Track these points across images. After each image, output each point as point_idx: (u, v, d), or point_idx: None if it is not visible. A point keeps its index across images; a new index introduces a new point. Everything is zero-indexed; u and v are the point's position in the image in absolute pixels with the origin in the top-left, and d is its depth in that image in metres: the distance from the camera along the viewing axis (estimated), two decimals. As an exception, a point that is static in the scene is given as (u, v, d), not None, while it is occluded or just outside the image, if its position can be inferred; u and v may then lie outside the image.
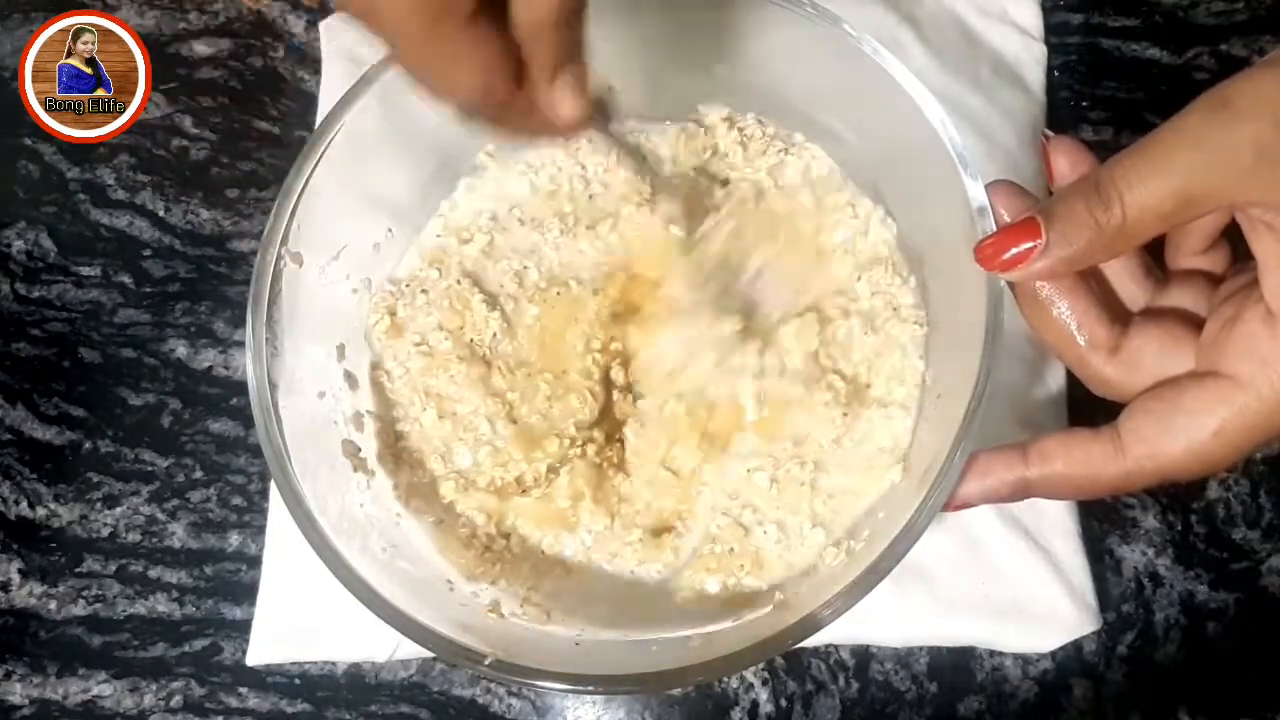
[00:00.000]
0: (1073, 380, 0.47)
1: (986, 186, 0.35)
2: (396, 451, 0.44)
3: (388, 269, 0.46)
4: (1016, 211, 0.34)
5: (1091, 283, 0.34)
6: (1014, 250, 0.31)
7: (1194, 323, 0.33)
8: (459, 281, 0.46)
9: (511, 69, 0.28)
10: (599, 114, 0.34)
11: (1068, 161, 0.34)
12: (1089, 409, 0.49)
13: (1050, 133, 0.38)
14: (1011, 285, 0.34)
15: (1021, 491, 0.34)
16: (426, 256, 0.47)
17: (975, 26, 0.55)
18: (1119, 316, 0.34)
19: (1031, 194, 0.35)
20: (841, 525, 0.41)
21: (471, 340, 0.45)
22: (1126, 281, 0.35)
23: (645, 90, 0.47)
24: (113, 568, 0.48)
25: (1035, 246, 0.31)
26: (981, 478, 0.34)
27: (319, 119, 0.53)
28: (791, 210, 0.46)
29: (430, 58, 0.27)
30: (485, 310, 0.45)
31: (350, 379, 0.44)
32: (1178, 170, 0.29)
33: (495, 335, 0.45)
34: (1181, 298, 0.34)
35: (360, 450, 0.42)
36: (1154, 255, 0.36)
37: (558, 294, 0.46)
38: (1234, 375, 0.30)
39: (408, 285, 0.46)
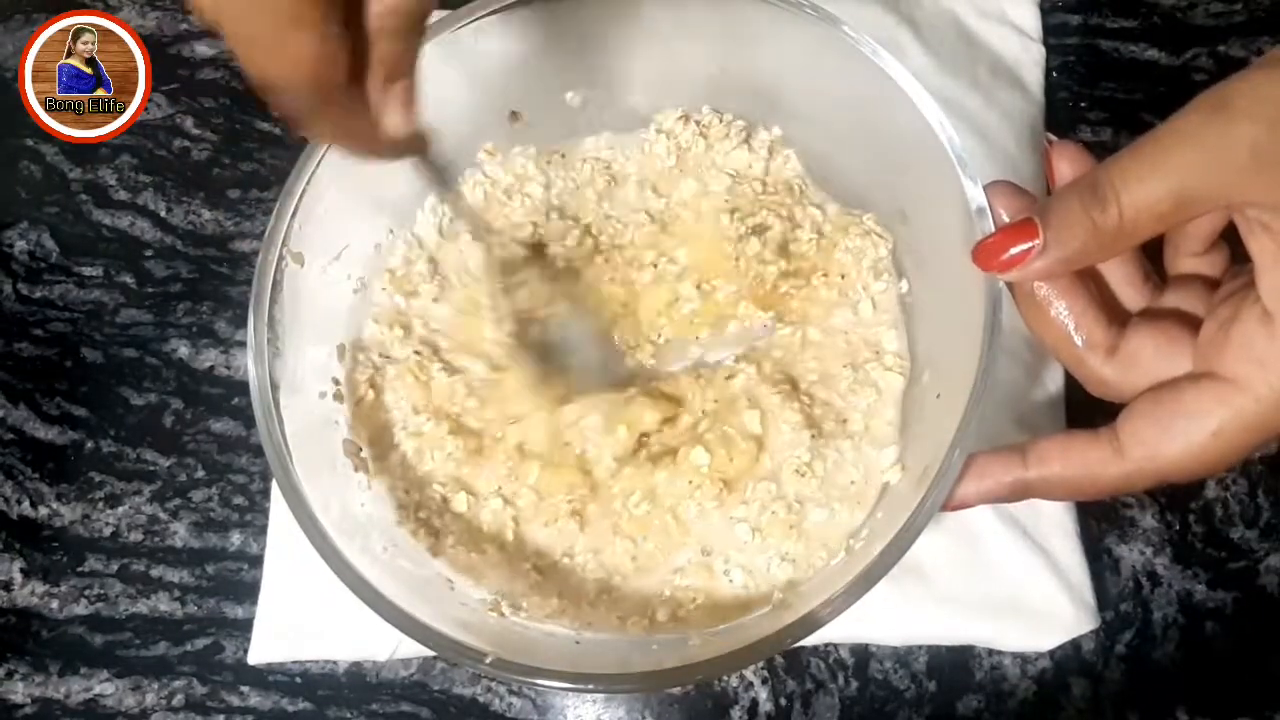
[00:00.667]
0: (1071, 381, 0.48)
1: (985, 187, 0.35)
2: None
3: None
4: (1015, 211, 0.35)
5: (1089, 283, 0.34)
6: (1012, 251, 0.31)
7: (1192, 324, 0.33)
8: (417, 352, 0.45)
9: (347, 61, 0.27)
10: (422, 141, 0.34)
11: (1070, 166, 0.34)
12: (1087, 410, 0.49)
13: (1053, 137, 0.38)
14: (1010, 285, 0.34)
15: (1020, 493, 0.34)
16: (383, 319, 0.46)
17: (974, 28, 0.55)
18: (1117, 317, 0.34)
19: (1030, 193, 0.35)
20: (810, 564, 0.41)
21: (452, 412, 0.44)
22: (1124, 287, 0.35)
23: (647, 93, 0.48)
24: (115, 567, 0.48)
25: (1033, 247, 0.31)
26: (979, 479, 0.34)
27: (320, 119, 0.53)
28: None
29: (271, 21, 0.25)
30: (446, 378, 0.44)
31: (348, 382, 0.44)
32: (1174, 171, 0.29)
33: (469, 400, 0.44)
34: (1179, 300, 0.34)
35: (361, 450, 0.42)
36: (1152, 259, 0.36)
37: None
38: (1231, 377, 0.30)
39: (377, 355, 0.45)
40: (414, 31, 0.29)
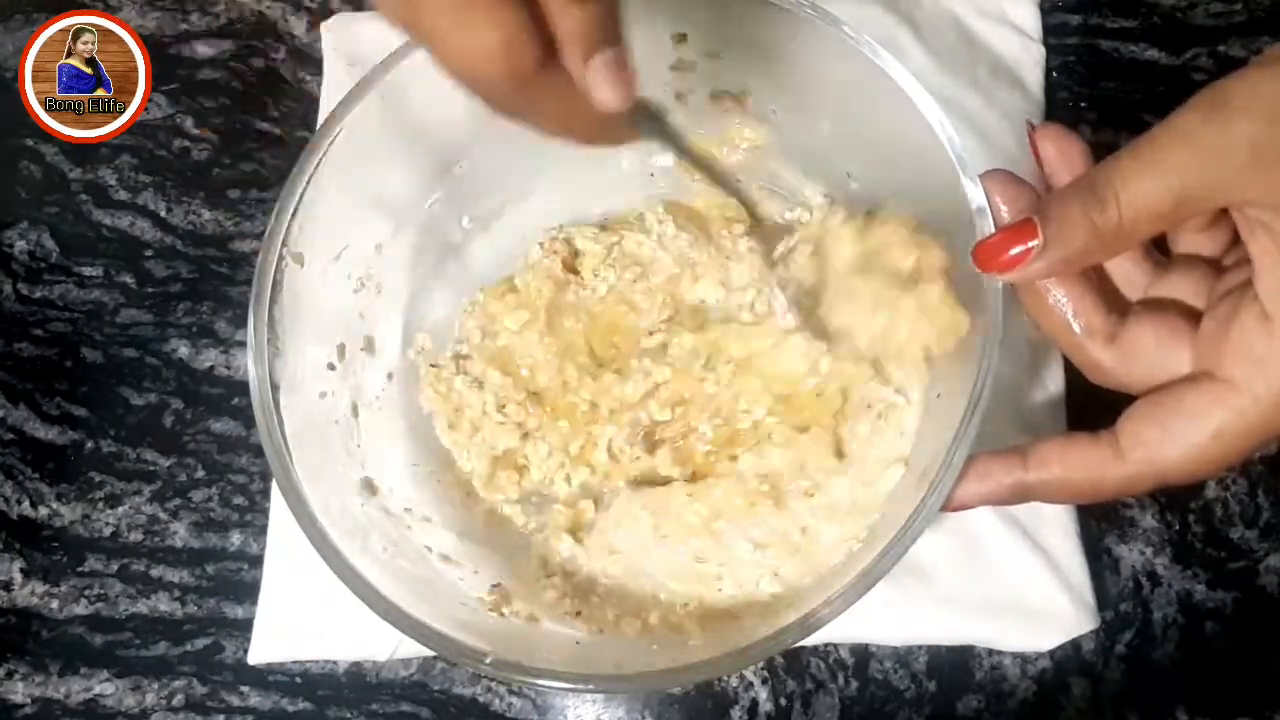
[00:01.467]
0: (1072, 382, 0.48)
1: (981, 176, 0.35)
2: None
3: (388, 269, 0.46)
4: (1011, 200, 0.34)
5: (1089, 271, 0.34)
6: (1012, 251, 0.31)
7: (1192, 315, 0.33)
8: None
9: (537, 37, 0.26)
10: (647, 116, 0.32)
11: (1055, 148, 0.34)
12: (1088, 410, 0.49)
13: (1035, 122, 0.38)
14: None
15: (1020, 495, 0.34)
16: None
17: (974, 27, 0.55)
18: (1117, 305, 0.34)
19: (1027, 183, 0.35)
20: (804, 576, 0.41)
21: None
22: (1125, 263, 0.35)
23: (648, 94, 0.47)
24: (115, 567, 0.48)
25: (1033, 248, 0.31)
26: (980, 481, 0.34)
27: (320, 120, 0.54)
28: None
29: (449, 16, 0.25)
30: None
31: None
32: (1173, 170, 0.29)
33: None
34: (1181, 286, 0.34)
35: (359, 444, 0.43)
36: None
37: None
38: (1230, 378, 0.30)
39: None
40: None
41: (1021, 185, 0.35)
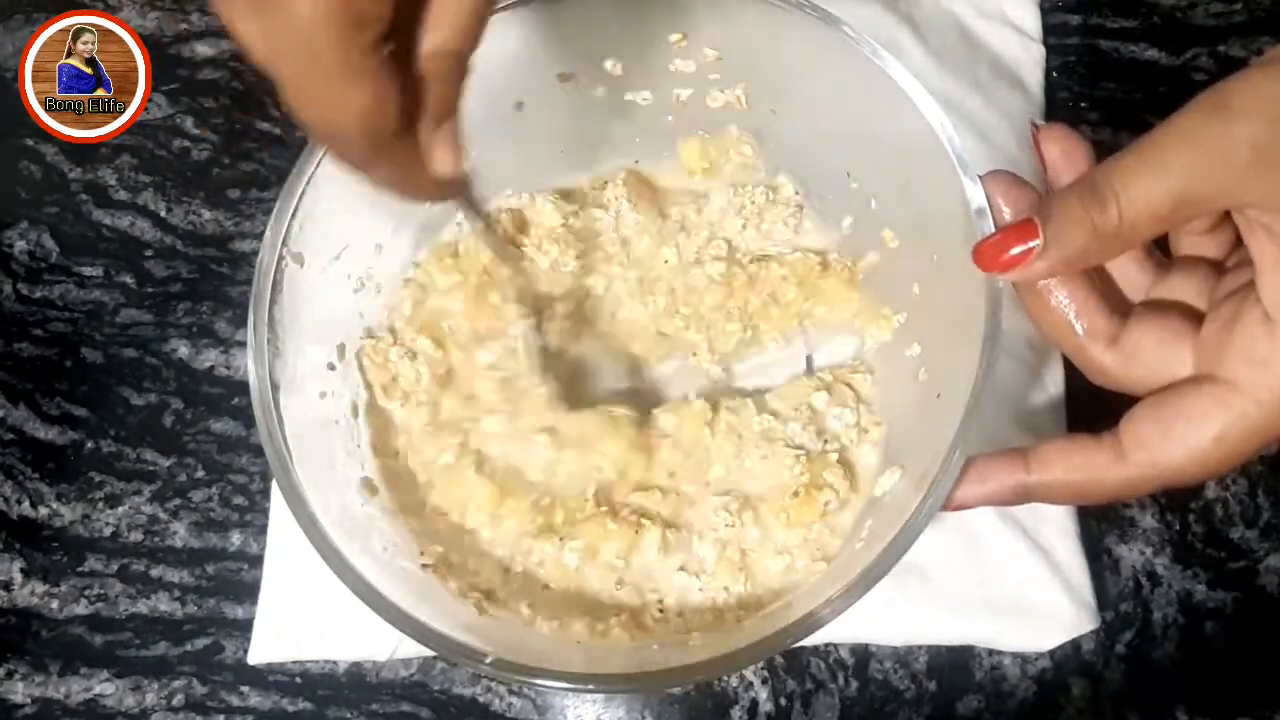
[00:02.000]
0: (1072, 382, 0.48)
1: (983, 176, 0.35)
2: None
3: (388, 269, 0.46)
4: (1013, 201, 0.34)
5: (1091, 272, 0.34)
6: (1012, 251, 0.31)
7: (1194, 316, 0.33)
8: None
9: (401, 106, 0.27)
10: (467, 180, 0.34)
11: (1059, 149, 0.34)
12: (1088, 410, 0.49)
13: (1039, 122, 0.38)
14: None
15: (1021, 497, 0.34)
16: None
17: (974, 27, 0.55)
18: (1119, 306, 0.34)
19: (1029, 184, 0.35)
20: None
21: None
22: (1128, 264, 0.35)
23: (648, 92, 0.48)
24: (115, 567, 0.48)
25: (1033, 248, 0.31)
26: (981, 482, 0.34)
27: (320, 119, 0.53)
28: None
29: (326, 72, 0.25)
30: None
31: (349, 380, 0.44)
32: (1175, 171, 0.29)
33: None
34: (1183, 288, 0.34)
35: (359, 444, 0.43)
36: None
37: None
38: (1233, 380, 0.30)
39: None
40: (460, 72, 0.29)
41: (1023, 186, 0.35)
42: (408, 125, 0.29)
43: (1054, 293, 0.33)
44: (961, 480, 0.33)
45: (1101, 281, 0.34)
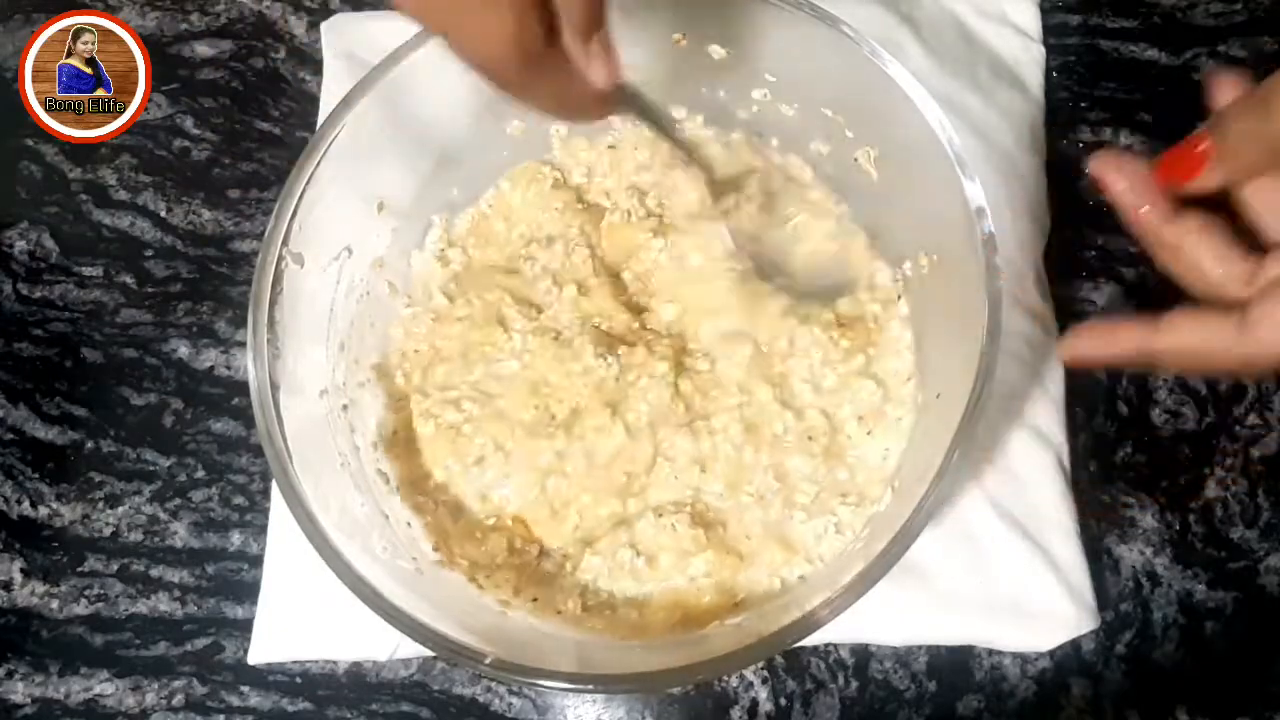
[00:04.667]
0: (1071, 383, 0.48)
1: (1091, 158, 0.35)
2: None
3: (388, 269, 0.47)
4: (1128, 175, 0.34)
5: (1225, 217, 0.34)
6: (1188, 163, 0.32)
7: None
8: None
9: (544, 24, 0.29)
10: (627, 93, 0.34)
11: (1233, 94, 0.34)
12: (1088, 410, 0.49)
13: (1213, 65, 0.37)
14: (1143, 232, 0.34)
15: (1146, 359, 0.34)
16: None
17: (974, 27, 0.55)
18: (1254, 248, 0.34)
19: (1134, 159, 0.35)
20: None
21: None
22: (1221, 263, 0.34)
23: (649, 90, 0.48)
24: (115, 567, 0.48)
25: (1205, 155, 0.32)
26: (1109, 344, 0.34)
27: (320, 120, 0.54)
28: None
29: (469, 7, 0.27)
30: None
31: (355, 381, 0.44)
32: None
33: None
34: None
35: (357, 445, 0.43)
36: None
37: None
38: None
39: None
40: None
41: (1133, 163, 0.35)
42: (554, 41, 0.29)
43: (1190, 235, 0.33)
44: (1087, 338, 0.34)
45: (1234, 225, 0.34)
